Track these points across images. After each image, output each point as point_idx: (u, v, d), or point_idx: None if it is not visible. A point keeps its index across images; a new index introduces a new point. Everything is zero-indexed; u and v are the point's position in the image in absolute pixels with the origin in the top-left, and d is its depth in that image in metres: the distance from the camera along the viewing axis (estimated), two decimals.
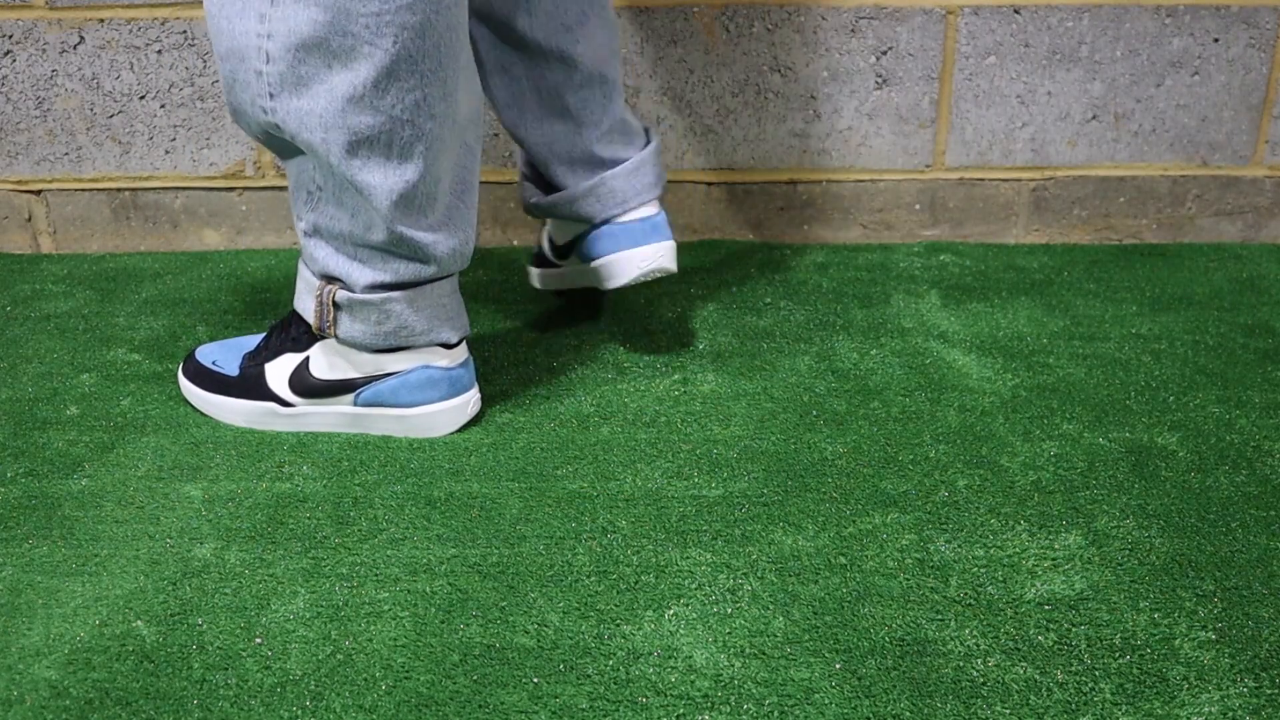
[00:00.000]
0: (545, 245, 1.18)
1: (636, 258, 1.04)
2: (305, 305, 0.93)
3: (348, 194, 0.87)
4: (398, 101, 0.82)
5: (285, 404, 0.96)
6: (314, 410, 0.96)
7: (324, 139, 0.82)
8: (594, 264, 1.07)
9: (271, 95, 0.82)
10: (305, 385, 0.95)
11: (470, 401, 0.97)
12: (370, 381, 0.94)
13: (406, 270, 0.90)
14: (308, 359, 0.95)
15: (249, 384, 0.97)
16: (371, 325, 0.91)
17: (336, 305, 0.91)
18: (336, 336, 0.92)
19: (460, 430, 0.96)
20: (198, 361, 1.01)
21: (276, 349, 0.97)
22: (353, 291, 0.90)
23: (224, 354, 1.01)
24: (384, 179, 0.84)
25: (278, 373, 0.96)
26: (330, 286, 0.91)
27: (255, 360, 0.98)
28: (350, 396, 0.95)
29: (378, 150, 0.83)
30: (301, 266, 0.94)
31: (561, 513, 0.84)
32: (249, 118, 0.85)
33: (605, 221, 1.05)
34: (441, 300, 0.93)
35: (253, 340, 1.02)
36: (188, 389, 1.01)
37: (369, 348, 0.93)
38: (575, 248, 1.10)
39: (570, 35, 1.00)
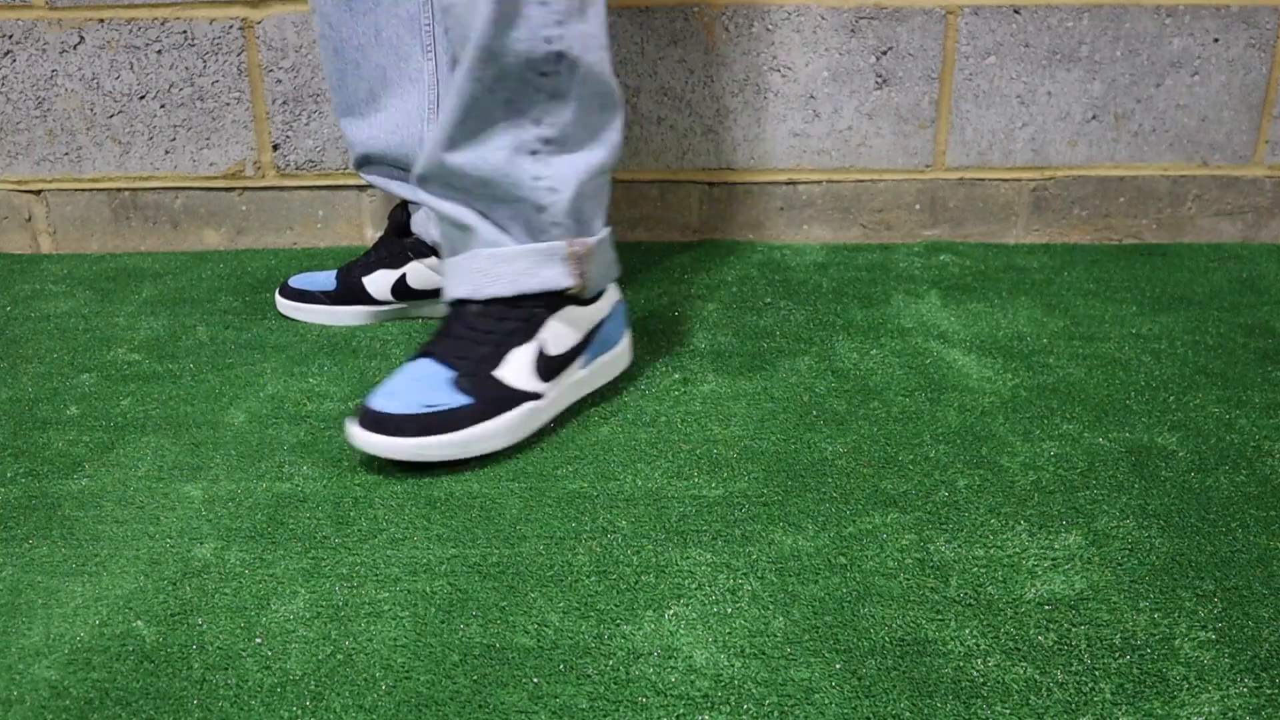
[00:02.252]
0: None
1: None
2: (545, 277, 0.91)
3: (589, 128, 0.91)
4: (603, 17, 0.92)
5: (538, 397, 0.92)
6: (558, 391, 0.95)
7: (600, 57, 0.89)
8: None
9: (559, 23, 0.86)
10: (551, 368, 0.93)
11: None
12: (591, 335, 0.97)
13: (608, 188, 0.97)
14: (544, 342, 0.92)
15: (496, 399, 0.90)
16: (604, 266, 0.97)
17: (591, 255, 0.94)
18: (587, 292, 0.95)
19: None
20: (399, 416, 0.87)
21: (497, 352, 0.91)
22: (592, 237, 0.94)
23: (421, 393, 0.89)
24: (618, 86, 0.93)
25: (517, 370, 0.91)
26: (577, 241, 0.93)
27: (480, 371, 0.90)
28: (582, 359, 0.97)
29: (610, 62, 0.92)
30: (504, 252, 0.91)
31: (561, 513, 0.84)
32: (516, 56, 0.86)
33: None
34: None
35: (425, 369, 0.91)
36: (420, 445, 0.86)
37: (597, 291, 0.97)
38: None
39: None
